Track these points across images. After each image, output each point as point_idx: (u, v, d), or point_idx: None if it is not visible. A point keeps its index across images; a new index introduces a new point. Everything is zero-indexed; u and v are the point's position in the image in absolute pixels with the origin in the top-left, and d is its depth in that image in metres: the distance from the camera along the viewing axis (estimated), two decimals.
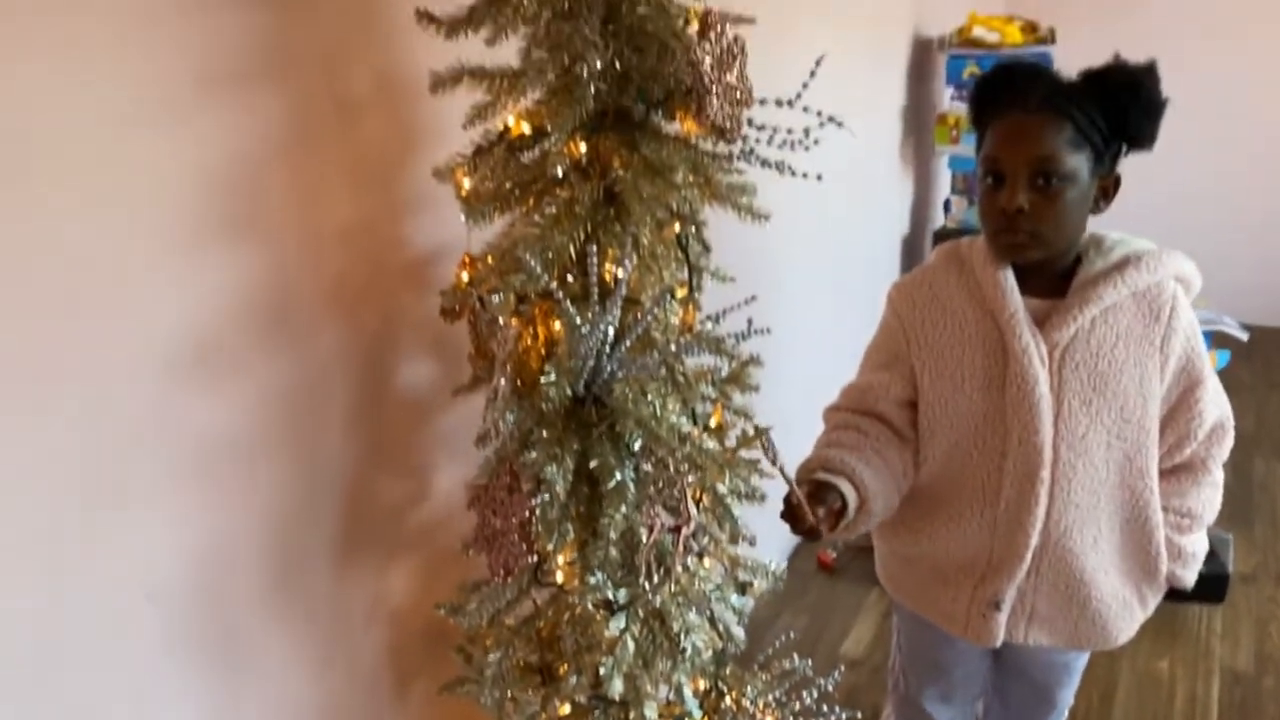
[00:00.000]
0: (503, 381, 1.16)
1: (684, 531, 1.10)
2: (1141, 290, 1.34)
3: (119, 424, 1.05)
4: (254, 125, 1.14)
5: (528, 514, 1.12)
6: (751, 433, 1.20)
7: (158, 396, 1.09)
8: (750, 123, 1.13)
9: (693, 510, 1.10)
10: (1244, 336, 2.99)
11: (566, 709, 1.33)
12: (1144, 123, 1.27)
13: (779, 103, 1.16)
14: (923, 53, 3.77)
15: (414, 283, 1.40)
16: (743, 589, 1.33)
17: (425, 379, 1.45)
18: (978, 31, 3.66)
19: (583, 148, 1.15)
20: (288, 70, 1.17)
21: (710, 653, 1.30)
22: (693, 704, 1.32)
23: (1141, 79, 1.26)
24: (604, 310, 1.09)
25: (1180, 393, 1.38)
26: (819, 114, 1.16)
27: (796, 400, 2.12)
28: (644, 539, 1.11)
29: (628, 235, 1.13)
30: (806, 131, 1.15)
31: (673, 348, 1.15)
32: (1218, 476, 1.46)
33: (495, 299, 1.15)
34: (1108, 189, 1.33)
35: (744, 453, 1.24)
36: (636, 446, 1.15)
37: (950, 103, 3.97)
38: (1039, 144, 1.25)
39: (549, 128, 1.09)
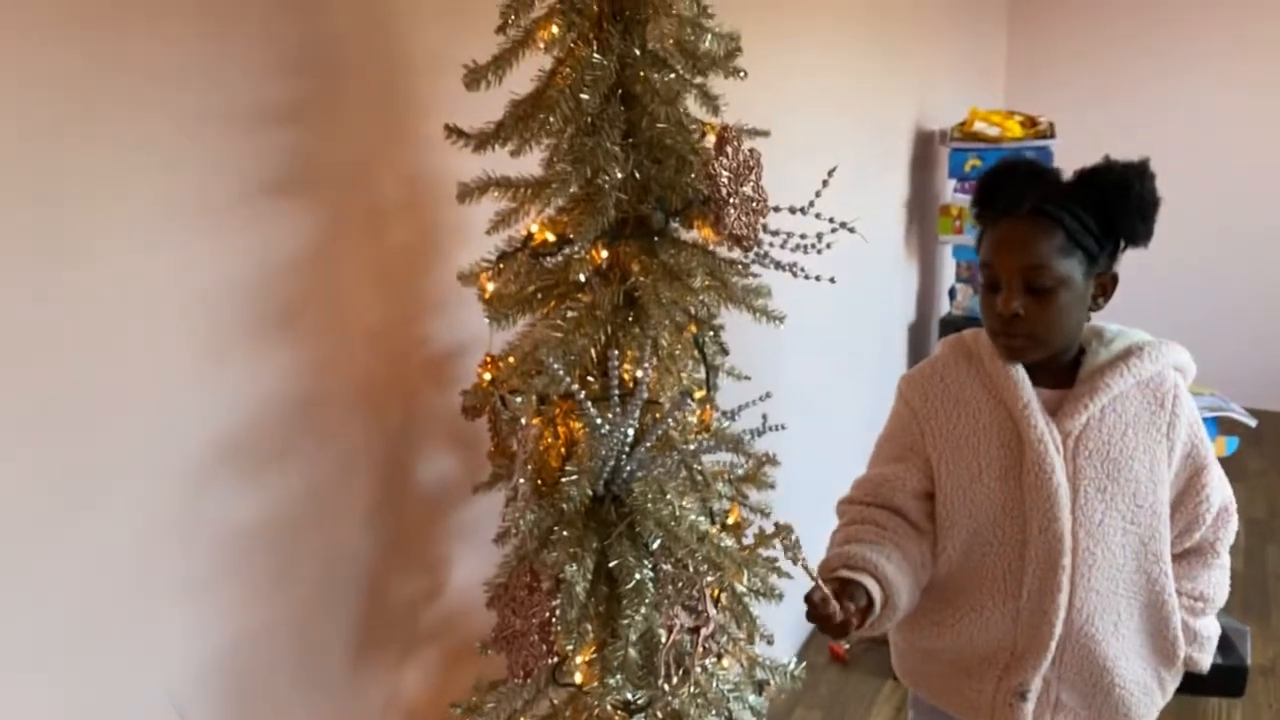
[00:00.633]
0: (523, 480, 1.17)
1: (703, 632, 1.11)
2: (1145, 379, 1.37)
3: (152, 523, 1.06)
4: (288, 232, 1.19)
5: (548, 614, 1.13)
6: (771, 530, 1.20)
7: (191, 494, 1.10)
8: (765, 228, 1.16)
9: (712, 611, 1.11)
10: (1252, 423, 3.00)
11: None
12: (1136, 223, 1.29)
13: (792, 210, 1.20)
14: (925, 146, 3.86)
15: (436, 380, 1.43)
16: (760, 688, 1.32)
17: (445, 474, 1.47)
18: (979, 126, 3.76)
19: (604, 254, 1.18)
20: (321, 180, 1.22)
21: None
22: None
23: (1131, 180, 1.28)
24: (625, 412, 1.11)
25: (1187, 478, 1.40)
26: (831, 220, 1.20)
27: (806, 494, 2.13)
28: (663, 640, 1.11)
29: (647, 338, 1.16)
30: (819, 236, 1.18)
31: (691, 447, 1.17)
32: (1226, 559, 1.48)
33: (517, 399, 1.17)
34: (1106, 286, 1.36)
35: (762, 550, 1.25)
36: (655, 546, 1.16)
37: (953, 194, 4.05)
38: (1030, 253, 1.28)
39: (572, 235, 1.13)
